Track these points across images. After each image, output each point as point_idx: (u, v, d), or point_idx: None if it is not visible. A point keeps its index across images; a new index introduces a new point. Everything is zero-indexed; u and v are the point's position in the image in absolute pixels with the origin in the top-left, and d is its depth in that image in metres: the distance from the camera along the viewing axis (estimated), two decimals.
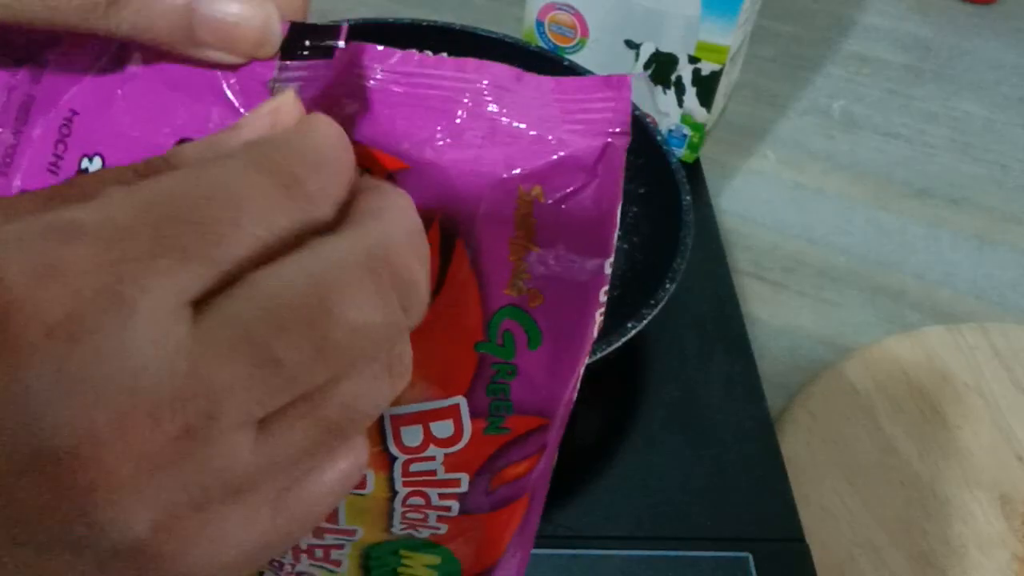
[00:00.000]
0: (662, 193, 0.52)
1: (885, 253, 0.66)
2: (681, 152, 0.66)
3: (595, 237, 0.21)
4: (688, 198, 0.50)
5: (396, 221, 0.18)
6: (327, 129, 0.18)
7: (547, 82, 0.21)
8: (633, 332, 0.42)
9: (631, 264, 0.54)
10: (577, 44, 0.65)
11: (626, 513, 0.45)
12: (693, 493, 0.47)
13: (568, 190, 0.21)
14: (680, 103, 0.63)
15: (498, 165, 0.21)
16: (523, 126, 0.21)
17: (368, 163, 0.21)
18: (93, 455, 0.14)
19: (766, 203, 0.69)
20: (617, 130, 0.21)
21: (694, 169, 0.66)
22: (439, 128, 0.21)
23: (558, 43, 0.66)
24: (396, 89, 0.21)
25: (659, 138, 0.54)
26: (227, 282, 0.16)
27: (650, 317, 0.43)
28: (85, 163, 0.22)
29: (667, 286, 0.45)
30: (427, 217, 0.20)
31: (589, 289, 0.22)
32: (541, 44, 0.66)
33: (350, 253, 0.17)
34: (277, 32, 0.21)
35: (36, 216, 0.15)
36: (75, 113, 0.22)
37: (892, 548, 0.48)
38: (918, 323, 0.61)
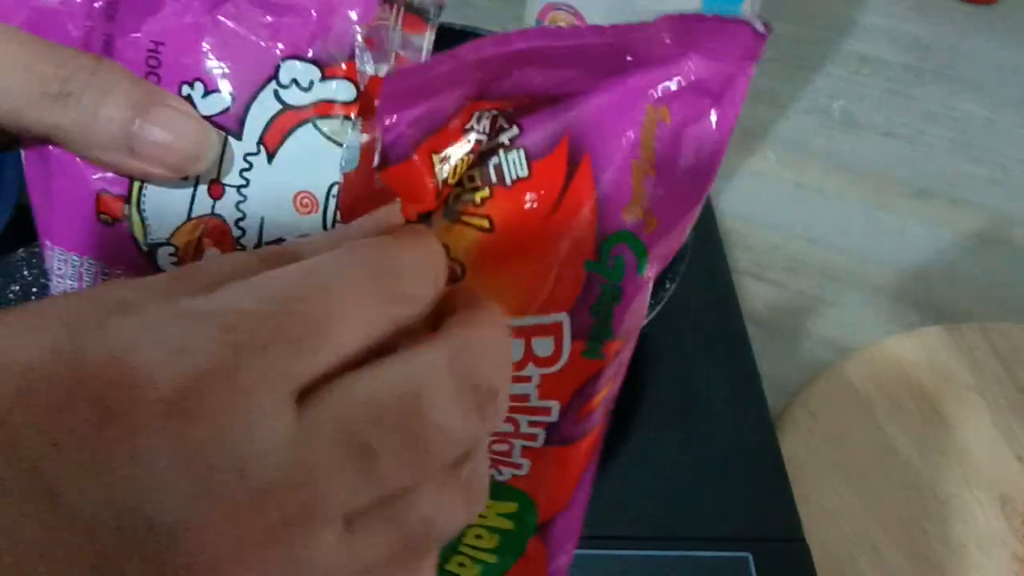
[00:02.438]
0: None
1: (885, 253, 0.66)
2: None
3: (707, 163, 0.22)
4: None
5: (481, 332, 0.19)
6: (427, 240, 0.20)
7: (660, 22, 0.21)
8: None
9: None
10: None
11: (626, 513, 0.45)
12: (693, 493, 0.47)
13: (692, 114, 0.21)
14: None
15: (630, 82, 0.21)
16: (652, 51, 0.21)
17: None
18: (198, 535, 0.15)
19: (766, 203, 0.69)
20: (747, 59, 0.21)
21: None
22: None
23: None
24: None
25: None
26: (326, 377, 0.17)
27: (650, 317, 0.43)
28: (186, 90, 0.22)
29: (667, 286, 0.45)
30: (556, 134, 0.21)
31: (691, 215, 0.23)
32: None
33: (437, 362, 0.18)
34: (213, 150, 0.22)
35: (163, 302, 0.16)
36: (160, 44, 0.22)
37: (892, 548, 0.48)
38: (918, 323, 0.61)
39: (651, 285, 0.24)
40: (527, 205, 0.22)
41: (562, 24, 0.65)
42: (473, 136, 0.21)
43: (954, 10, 0.92)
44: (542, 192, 0.22)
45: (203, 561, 0.15)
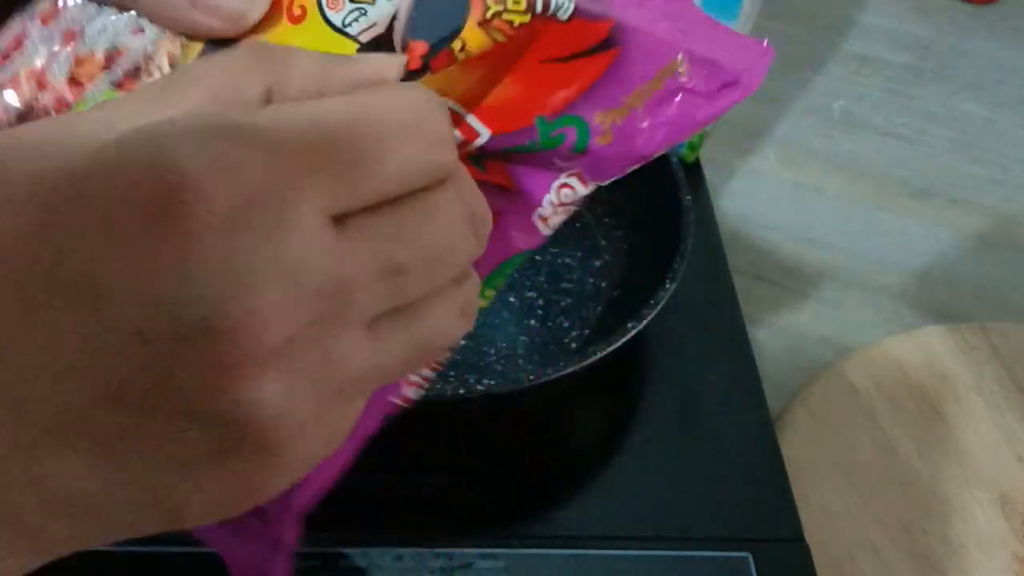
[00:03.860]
0: (662, 193, 0.52)
1: (885, 253, 0.66)
2: (681, 152, 0.66)
3: (679, 133, 0.24)
4: (688, 198, 0.50)
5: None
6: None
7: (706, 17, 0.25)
8: (633, 332, 0.42)
9: (631, 264, 0.54)
10: None
11: (626, 513, 0.45)
12: (693, 493, 0.47)
13: (700, 83, 0.24)
14: None
15: (676, 30, 0.24)
16: (698, 22, 0.25)
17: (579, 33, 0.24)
18: (246, 333, 0.16)
19: (766, 203, 0.69)
20: (743, 81, 0.24)
21: (694, 169, 0.66)
22: None
23: None
24: None
25: None
26: (367, 208, 0.19)
27: (650, 317, 0.43)
28: None
29: (667, 286, 0.45)
30: (605, 15, 0.24)
31: (626, 169, 0.25)
32: None
33: (451, 193, 0.20)
34: (259, 10, 0.24)
35: (206, 115, 0.17)
36: None
37: (892, 548, 0.48)
38: (918, 323, 0.61)
39: (544, 219, 0.26)
40: (549, 43, 0.24)
41: None
42: None
43: (954, 10, 0.92)
44: (566, 43, 0.24)
45: (251, 356, 0.16)
